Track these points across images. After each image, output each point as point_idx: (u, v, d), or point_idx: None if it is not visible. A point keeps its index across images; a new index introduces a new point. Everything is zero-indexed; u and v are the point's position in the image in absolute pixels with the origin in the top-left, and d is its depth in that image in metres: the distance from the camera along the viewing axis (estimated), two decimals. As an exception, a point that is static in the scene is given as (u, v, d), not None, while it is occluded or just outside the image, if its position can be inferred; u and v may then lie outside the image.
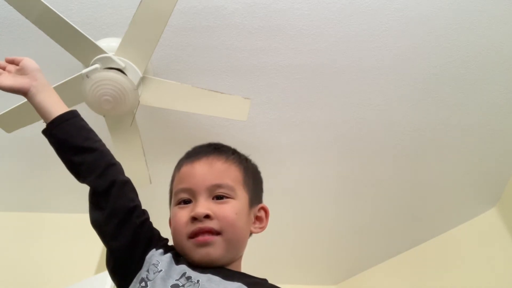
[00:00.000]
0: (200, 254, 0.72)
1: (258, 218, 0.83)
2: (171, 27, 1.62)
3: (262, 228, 0.83)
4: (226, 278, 0.70)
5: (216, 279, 0.69)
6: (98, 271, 2.04)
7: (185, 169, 0.81)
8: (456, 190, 2.24)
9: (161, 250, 0.75)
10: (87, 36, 1.41)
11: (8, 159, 2.08)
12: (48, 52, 1.70)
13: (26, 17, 1.36)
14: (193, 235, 0.72)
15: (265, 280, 0.76)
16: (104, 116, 1.59)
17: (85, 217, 2.66)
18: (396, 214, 2.36)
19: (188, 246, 0.73)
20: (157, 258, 0.73)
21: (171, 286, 0.67)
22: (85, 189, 2.08)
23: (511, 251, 2.10)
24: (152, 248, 0.76)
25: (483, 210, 2.31)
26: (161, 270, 0.70)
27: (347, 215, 2.38)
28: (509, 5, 1.61)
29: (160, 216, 0.92)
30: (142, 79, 1.54)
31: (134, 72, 1.49)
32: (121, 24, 1.60)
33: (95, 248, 2.16)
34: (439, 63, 1.77)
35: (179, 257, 0.75)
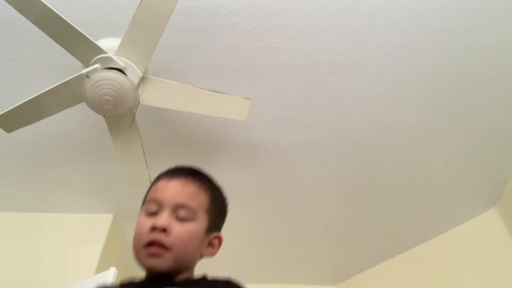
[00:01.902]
0: (148, 263, 0.79)
1: (210, 244, 0.88)
2: (171, 27, 1.62)
3: (212, 254, 0.89)
4: None
5: None
6: (98, 271, 2.04)
7: (162, 183, 0.88)
8: (456, 190, 2.24)
9: None
10: (87, 36, 1.41)
11: (8, 159, 2.08)
12: (48, 52, 1.70)
13: (26, 17, 1.36)
14: (148, 245, 0.79)
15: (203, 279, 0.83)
16: (104, 116, 1.59)
17: (85, 217, 2.68)
18: (396, 214, 2.36)
19: (142, 254, 0.79)
20: None
21: None
22: (84, 189, 2.10)
23: (511, 251, 2.10)
24: None
25: (483, 210, 2.32)
26: None
27: (347, 215, 2.38)
28: (509, 5, 1.61)
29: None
30: (142, 79, 1.54)
31: (134, 72, 1.48)
32: (121, 24, 1.60)
33: (95, 248, 2.16)
34: (439, 63, 1.77)
35: None
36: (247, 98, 1.61)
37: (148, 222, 0.81)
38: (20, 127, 1.63)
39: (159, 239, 0.78)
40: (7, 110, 1.56)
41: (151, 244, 0.78)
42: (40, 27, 1.38)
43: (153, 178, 1.91)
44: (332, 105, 1.91)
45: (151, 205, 0.84)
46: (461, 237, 2.34)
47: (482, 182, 2.21)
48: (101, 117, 1.62)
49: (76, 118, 1.91)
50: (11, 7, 1.35)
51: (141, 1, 1.36)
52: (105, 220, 2.31)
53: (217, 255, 0.89)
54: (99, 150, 2.04)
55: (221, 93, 1.59)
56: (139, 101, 1.55)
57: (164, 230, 0.79)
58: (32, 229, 2.23)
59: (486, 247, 2.19)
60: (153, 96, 1.58)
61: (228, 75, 1.80)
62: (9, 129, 1.64)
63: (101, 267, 2.04)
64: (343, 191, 2.26)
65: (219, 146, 2.05)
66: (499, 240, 2.17)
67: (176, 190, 0.85)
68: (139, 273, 0.83)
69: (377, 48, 1.73)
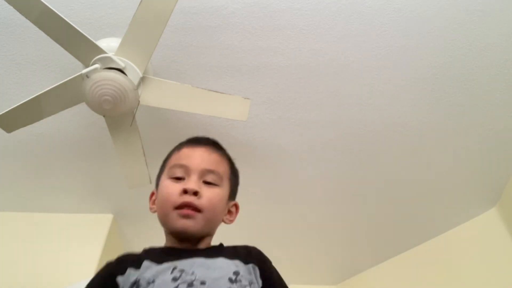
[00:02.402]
0: (181, 224, 0.81)
1: (229, 212, 0.93)
2: (171, 27, 1.62)
3: (231, 221, 0.94)
4: (208, 257, 0.78)
5: (200, 261, 0.76)
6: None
7: (186, 150, 0.91)
8: (456, 190, 2.24)
9: (131, 269, 0.77)
10: (87, 36, 1.41)
11: (8, 159, 2.08)
12: (48, 52, 1.70)
13: (26, 17, 1.36)
14: (179, 207, 0.81)
15: (238, 247, 0.86)
16: (104, 116, 1.59)
17: (85, 217, 2.68)
18: (396, 214, 2.36)
19: (173, 215, 0.81)
20: (135, 277, 0.74)
21: (172, 280, 0.70)
22: (84, 189, 2.10)
23: (511, 251, 2.10)
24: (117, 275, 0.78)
25: (483, 210, 2.31)
26: (153, 280, 0.71)
27: (347, 215, 2.38)
28: (509, 5, 1.61)
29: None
30: (142, 79, 1.54)
31: (134, 72, 1.48)
32: (121, 24, 1.60)
33: (95, 248, 2.16)
34: (439, 63, 1.77)
35: (154, 256, 0.78)
36: (247, 98, 1.61)
37: (176, 186, 0.83)
38: (20, 127, 1.63)
39: (191, 201, 0.80)
40: (7, 110, 1.56)
41: (182, 206, 0.80)
42: (40, 27, 1.38)
43: (153, 179, 1.92)
44: (332, 105, 1.91)
45: (177, 170, 0.86)
46: (461, 237, 2.34)
47: (482, 182, 2.21)
48: (101, 117, 1.62)
49: (76, 118, 1.91)
50: (11, 7, 1.35)
51: (141, 1, 1.36)
52: (105, 220, 2.31)
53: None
54: (99, 150, 2.04)
55: (221, 93, 1.59)
56: (139, 101, 1.55)
57: (195, 193, 0.81)
58: (32, 229, 2.23)
59: (486, 247, 2.19)
60: (153, 96, 1.58)
61: (228, 75, 1.80)
62: (9, 129, 1.64)
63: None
64: (343, 191, 2.26)
65: (219, 146, 2.05)
66: (499, 240, 2.17)
67: (202, 157, 0.88)
68: (139, 273, 0.82)
69: (377, 48, 1.72)
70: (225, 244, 0.89)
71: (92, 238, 2.20)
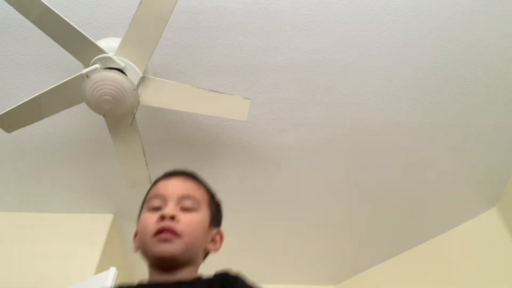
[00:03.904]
0: (159, 248, 0.79)
1: (213, 240, 0.90)
2: (171, 27, 1.62)
3: (216, 250, 0.91)
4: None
5: None
6: (98, 271, 2.04)
7: (162, 182, 0.92)
8: (456, 190, 2.24)
9: None
10: (87, 36, 1.41)
11: (8, 159, 2.08)
12: (48, 52, 1.70)
13: (26, 17, 1.36)
14: (157, 233, 0.80)
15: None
16: (104, 116, 1.59)
17: (85, 217, 2.68)
18: (396, 214, 2.36)
19: (151, 242, 0.80)
20: None
21: None
22: (84, 189, 2.10)
23: (511, 251, 2.10)
24: None
25: (483, 210, 2.32)
26: None
27: (347, 215, 2.38)
28: (509, 5, 1.61)
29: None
30: (142, 79, 1.54)
31: (134, 72, 1.48)
32: (121, 24, 1.60)
33: (95, 248, 2.16)
34: (440, 63, 1.77)
35: None
36: (247, 98, 1.61)
37: (154, 215, 0.83)
38: (20, 127, 1.63)
39: (169, 225, 0.80)
40: (7, 110, 1.56)
41: (160, 231, 0.80)
42: (40, 27, 1.38)
43: (153, 178, 1.92)
44: (332, 105, 1.91)
45: (154, 201, 0.86)
46: (461, 237, 2.34)
47: (482, 182, 2.21)
48: (101, 117, 1.62)
49: (76, 118, 1.91)
50: (11, 7, 1.35)
51: (141, 1, 1.36)
52: (105, 220, 2.31)
53: (216, 254, 0.88)
54: (99, 150, 2.04)
55: (221, 93, 1.59)
56: (139, 101, 1.55)
57: (172, 218, 0.81)
58: (32, 229, 2.23)
59: (486, 247, 2.19)
60: (153, 96, 1.58)
61: (228, 75, 1.80)
62: (9, 129, 1.64)
63: (101, 267, 2.04)
64: (342, 191, 2.26)
65: (219, 146, 2.05)
66: (499, 240, 2.17)
67: (177, 184, 0.89)
68: (139, 273, 0.83)
69: (377, 48, 1.72)
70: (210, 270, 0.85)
71: (92, 238, 2.20)
